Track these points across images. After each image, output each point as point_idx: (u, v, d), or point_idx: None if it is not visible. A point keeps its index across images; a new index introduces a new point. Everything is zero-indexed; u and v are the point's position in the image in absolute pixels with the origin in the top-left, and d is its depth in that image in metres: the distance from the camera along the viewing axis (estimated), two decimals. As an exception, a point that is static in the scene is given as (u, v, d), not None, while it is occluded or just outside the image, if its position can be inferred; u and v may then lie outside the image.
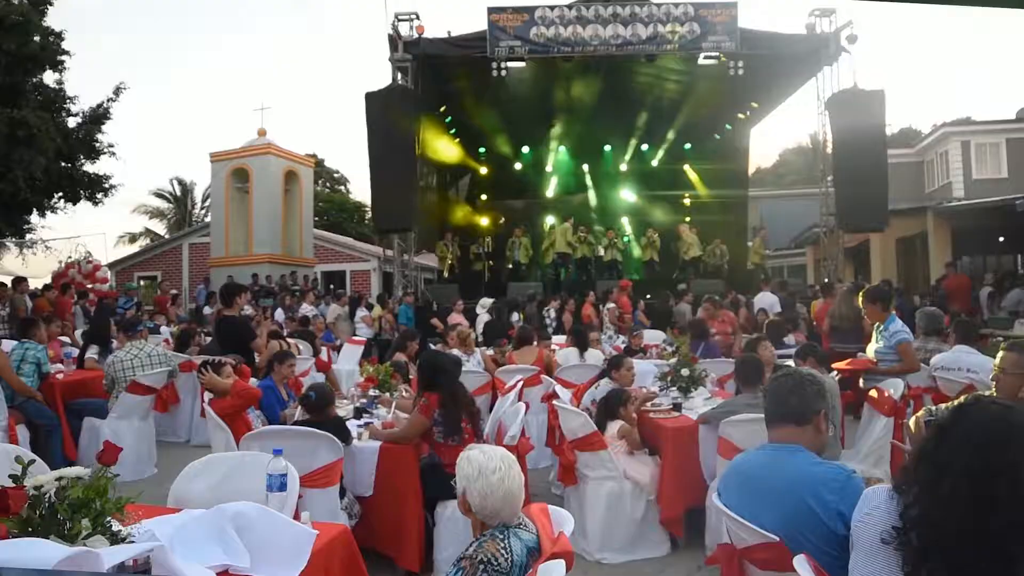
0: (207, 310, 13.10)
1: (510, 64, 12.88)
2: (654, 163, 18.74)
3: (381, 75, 17.99)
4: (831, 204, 13.85)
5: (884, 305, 5.07)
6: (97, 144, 15.52)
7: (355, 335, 11.10)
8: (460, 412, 3.88)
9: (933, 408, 3.40)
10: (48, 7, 14.37)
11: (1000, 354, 3.32)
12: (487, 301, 11.78)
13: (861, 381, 5.03)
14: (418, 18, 12.71)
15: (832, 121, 13.03)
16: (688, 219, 17.69)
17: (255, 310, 11.34)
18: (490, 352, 7.60)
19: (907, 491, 1.60)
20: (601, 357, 7.32)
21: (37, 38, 13.83)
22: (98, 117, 15.48)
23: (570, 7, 12.46)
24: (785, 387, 2.21)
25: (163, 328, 10.79)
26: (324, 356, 8.55)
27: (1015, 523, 1.42)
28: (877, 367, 4.91)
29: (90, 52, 67.93)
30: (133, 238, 31.07)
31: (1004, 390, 3.23)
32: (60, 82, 15.16)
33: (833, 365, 5.50)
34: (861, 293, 5.41)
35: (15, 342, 6.40)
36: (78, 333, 9.67)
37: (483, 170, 18.99)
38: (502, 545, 1.89)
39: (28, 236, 16.15)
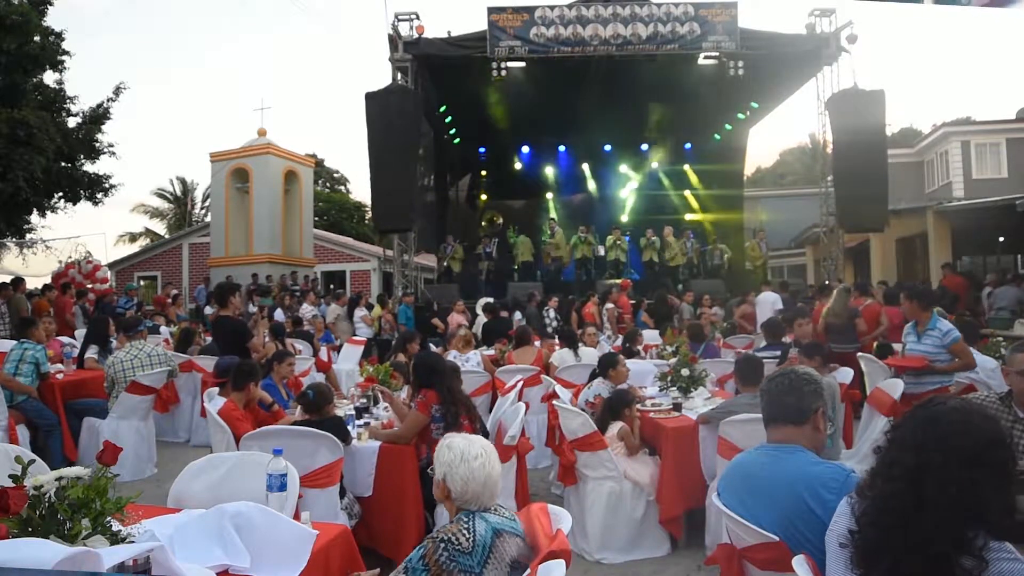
0: (208, 310, 13.10)
1: (510, 64, 12.88)
2: (654, 163, 18.74)
3: (381, 75, 18.01)
4: (831, 204, 13.86)
5: (925, 304, 4.92)
6: (97, 144, 15.50)
7: (355, 335, 11.10)
8: (459, 408, 3.89)
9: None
10: (48, 7, 14.34)
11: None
12: (488, 301, 11.77)
13: (901, 382, 4.92)
14: (418, 18, 12.71)
15: (832, 121, 13.03)
16: (685, 217, 17.69)
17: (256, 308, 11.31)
18: (490, 352, 7.59)
19: (864, 494, 1.62)
20: (596, 355, 7.31)
21: (37, 38, 13.80)
22: (98, 117, 15.46)
23: (570, 7, 12.46)
24: (781, 387, 2.20)
25: (163, 328, 10.78)
26: (324, 356, 8.57)
27: (942, 521, 1.44)
28: (932, 365, 4.79)
29: (90, 52, 67.99)
30: (133, 238, 31.09)
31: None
32: (60, 82, 15.16)
33: (885, 361, 5.47)
34: (902, 291, 5.34)
35: (14, 342, 6.41)
36: (78, 333, 9.66)
37: (483, 170, 18.99)
38: (465, 526, 1.99)
39: (28, 236, 16.11)
